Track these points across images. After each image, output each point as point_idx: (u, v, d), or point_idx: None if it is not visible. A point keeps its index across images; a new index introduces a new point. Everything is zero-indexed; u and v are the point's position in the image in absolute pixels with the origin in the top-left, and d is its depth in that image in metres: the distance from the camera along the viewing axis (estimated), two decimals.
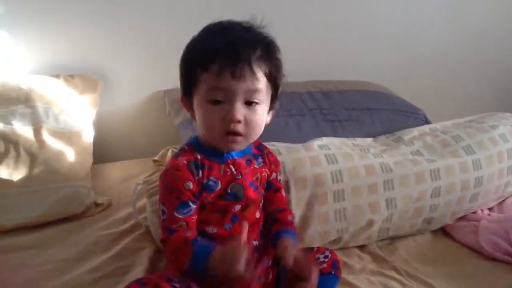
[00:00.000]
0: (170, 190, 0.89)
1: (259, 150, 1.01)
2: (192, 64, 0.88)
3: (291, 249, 0.90)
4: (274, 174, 1.03)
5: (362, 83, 1.82)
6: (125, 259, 1.11)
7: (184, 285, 0.86)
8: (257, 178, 0.97)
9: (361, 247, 1.22)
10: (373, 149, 1.29)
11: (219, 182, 0.91)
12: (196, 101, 0.90)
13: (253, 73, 0.85)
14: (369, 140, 1.37)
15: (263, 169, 0.99)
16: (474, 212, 1.34)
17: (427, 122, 1.62)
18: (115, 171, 1.59)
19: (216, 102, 0.86)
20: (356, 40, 1.97)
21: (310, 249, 1.01)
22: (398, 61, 2.07)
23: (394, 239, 1.26)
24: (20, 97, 1.44)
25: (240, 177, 0.93)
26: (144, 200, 1.26)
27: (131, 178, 1.50)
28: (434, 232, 1.30)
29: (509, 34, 2.22)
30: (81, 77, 1.60)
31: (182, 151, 0.93)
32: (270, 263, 0.97)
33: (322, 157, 1.17)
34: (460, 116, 1.56)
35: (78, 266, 1.09)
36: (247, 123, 0.88)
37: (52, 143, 1.39)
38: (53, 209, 1.28)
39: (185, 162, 0.89)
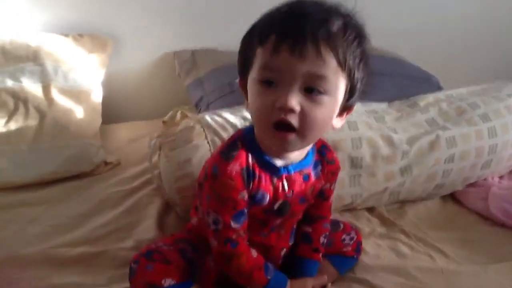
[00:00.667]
0: (224, 200, 0.77)
1: (321, 155, 0.87)
2: (248, 37, 0.75)
3: None
4: (328, 185, 0.90)
5: (374, 49, 1.78)
6: (135, 214, 1.12)
7: (198, 255, 0.86)
8: (310, 192, 0.86)
9: (370, 210, 1.22)
10: (388, 116, 1.27)
11: (268, 196, 0.80)
12: (249, 83, 0.75)
13: (318, 52, 0.67)
14: (384, 105, 1.35)
15: (319, 181, 0.87)
16: (485, 179, 1.33)
17: (440, 88, 1.59)
18: (124, 132, 1.58)
19: (268, 84, 0.71)
20: (368, 4, 1.92)
21: (336, 225, 0.98)
22: (410, 27, 2.02)
23: (403, 203, 1.25)
24: (29, 55, 1.43)
25: (291, 195, 0.82)
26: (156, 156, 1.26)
27: (139, 139, 1.50)
28: (444, 197, 1.29)
29: None
30: (91, 36, 1.58)
31: (233, 149, 0.78)
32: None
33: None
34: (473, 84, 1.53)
35: (88, 221, 1.10)
36: (304, 115, 0.70)
37: (61, 101, 1.39)
38: (63, 166, 1.28)
39: (239, 170, 0.76)
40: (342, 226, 1.00)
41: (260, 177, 0.78)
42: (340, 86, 0.72)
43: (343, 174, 1.14)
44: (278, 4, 0.73)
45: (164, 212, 1.13)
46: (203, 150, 1.07)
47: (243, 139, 0.80)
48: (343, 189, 1.14)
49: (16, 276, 0.92)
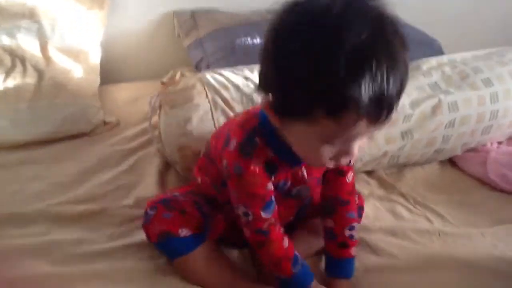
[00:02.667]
0: (251, 195, 0.78)
1: None
2: (305, 95, 0.62)
3: None
4: None
5: None
6: (135, 173, 1.13)
7: (210, 207, 0.86)
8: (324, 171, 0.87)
9: (369, 173, 1.23)
10: None
11: (288, 182, 0.83)
12: (297, 129, 0.67)
13: (390, 118, 0.64)
14: None
15: None
16: (484, 145, 1.33)
17: (442, 53, 1.57)
18: (122, 92, 1.57)
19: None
20: None
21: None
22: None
23: (402, 167, 1.26)
24: (25, 12, 1.39)
25: (309, 180, 0.85)
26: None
27: (138, 99, 1.48)
28: (442, 162, 1.30)
29: None
30: None
31: (252, 145, 0.76)
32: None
33: None
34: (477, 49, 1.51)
35: (88, 179, 1.11)
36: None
37: (59, 60, 1.36)
38: (62, 125, 1.28)
39: (262, 166, 0.76)
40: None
41: (279, 168, 0.79)
42: None
43: None
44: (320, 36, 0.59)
45: (164, 170, 1.13)
46: (203, 109, 1.07)
47: (261, 134, 0.77)
48: None
49: (17, 233, 0.93)
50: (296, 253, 0.82)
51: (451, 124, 1.21)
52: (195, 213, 0.84)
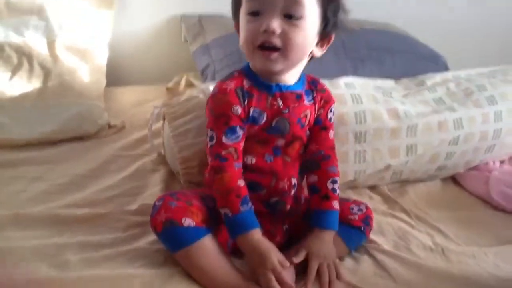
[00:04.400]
0: (217, 115, 0.86)
1: (312, 85, 0.96)
2: None
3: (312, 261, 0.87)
4: (322, 110, 0.96)
5: (384, 24, 1.76)
6: (140, 179, 1.13)
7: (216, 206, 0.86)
8: (305, 115, 0.92)
9: (372, 188, 1.23)
10: (396, 93, 1.26)
11: (265, 114, 0.88)
12: (240, 19, 0.86)
13: None
14: (391, 82, 1.34)
15: (313, 106, 0.94)
16: (486, 163, 1.34)
17: (447, 69, 1.59)
18: (128, 95, 1.57)
19: (254, 14, 0.83)
20: None
21: (346, 199, 1.00)
22: (419, 8, 1.99)
23: (404, 183, 1.26)
24: (33, 8, 1.40)
25: (287, 111, 0.89)
26: (158, 125, 1.25)
27: (144, 103, 1.49)
28: (444, 179, 1.30)
29: None
30: None
31: (231, 76, 0.89)
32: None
33: (348, 96, 1.15)
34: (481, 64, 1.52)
35: (93, 183, 1.10)
36: (285, 37, 0.82)
37: (66, 58, 1.37)
38: (67, 125, 1.28)
39: (233, 87, 0.86)
40: (352, 199, 1.01)
41: (254, 96, 0.87)
42: (315, 12, 0.85)
43: (347, 149, 1.14)
44: None
45: (169, 178, 1.13)
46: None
47: (240, 69, 0.91)
48: (347, 164, 1.15)
49: (19, 234, 0.92)
50: (249, 198, 0.84)
51: (455, 141, 1.22)
52: (201, 206, 0.85)
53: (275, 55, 0.83)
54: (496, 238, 1.05)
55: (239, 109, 0.85)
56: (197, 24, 1.64)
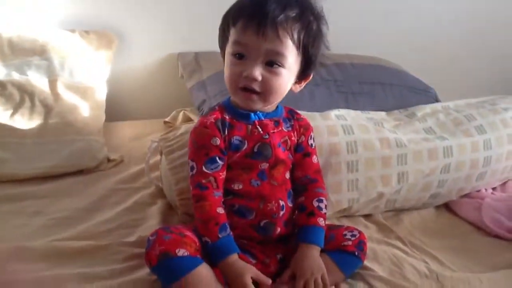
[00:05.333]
0: (198, 147, 0.92)
1: (290, 114, 1.02)
2: (225, 18, 0.92)
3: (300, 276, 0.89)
4: (303, 137, 1.02)
5: (375, 59, 1.81)
6: (138, 212, 1.14)
7: None
8: (285, 141, 0.98)
9: (367, 216, 1.25)
10: (387, 123, 1.30)
11: (245, 141, 0.94)
12: (225, 55, 0.92)
13: (277, 34, 0.85)
14: (383, 114, 1.38)
15: (292, 133, 1.00)
16: (478, 191, 1.36)
17: (437, 100, 1.63)
18: (126, 130, 1.60)
19: (239, 57, 0.88)
20: (367, 21, 1.96)
21: (339, 226, 1.03)
22: (409, 42, 2.06)
23: (399, 211, 1.28)
24: (36, 49, 1.44)
25: (267, 136, 0.95)
26: (156, 158, 1.28)
27: (142, 137, 1.52)
28: (438, 207, 1.33)
29: None
30: (97, 33, 1.60)
31: (212, 111, 0.96)
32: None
33: (339, 127, 1.18)
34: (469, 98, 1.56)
35: (92, 216, 1.12)
36: (264, 83, 0.88)
37: (67, 96, 1.40)
38: (67, 160, 1.30)
39: (213, 120, 0.93)
40: (345, 226, 1.03)
41: (234, 126, 0.93)
42: (296, 60, 0.90)
43: (340, 178, 1.17)
44: None
45: (167, 210, 1.15)
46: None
47: (221, 103, 0.98)
48: (340, 193, 1.17)
49: (20, 267, 0.93)
50: (227, 224, 0.88)
51: (446, 169, 1.25)
52: (194, 238, 0.87)
53: (255, 96, 0.90)
54: (490, 264, 1.06)
55: (218, 140, 0.91)
56: (193, 61, 1.69)
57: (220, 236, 0.87)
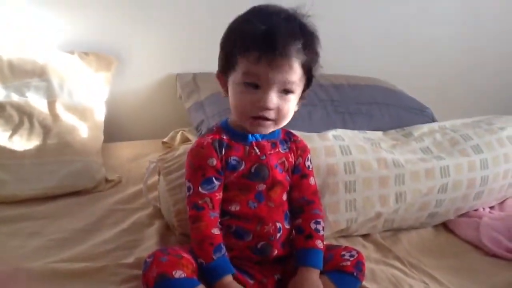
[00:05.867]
0: (195, 168, 0.93)
1: (287, 136, 1.03)
2: (232, 47, 0.90)
3: None
4: (300, 159, 1.02)
5: (372, 79, 1.84)
6: (136, 233, 1.14)
7: None
8: (282, 162, 0.99)
9: (365, 236, 1.25)
10: (384, 143, 1.31)
11: (243, 162, 0.94)
12: (231, 81, 0.92)
13: (289, 65, 0.87)
14: (380, 133, 1.39)
15: (289, 155, 1.00)
16: (476, 210, 1.37)
17: (434, 120, 1.64)
18: (125, 150, 1.61)
19: (251, 85, 0.88)
20: (364, 40, 1.99)
21: (337, 246, 1.03)
22: (406, 62, 2.09)
23: (397, 230, 1.28)
24: (36, 70, 1.45)
25: (264, 157, 0.96)
26: (154, 179, 1.28)
27: (140, 158, 1.53)
28: (436, 226, 1.33)
29: None
30: (96, 55, 1.61)
31: (209, 132, 0.97)
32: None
33: (336, 148, 1.19)
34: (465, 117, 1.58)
35: (90, 237, 1.11)
36: (279, 111, 0.90)
37: (66, 117, 1.41)
38: (65, 181, 1.30)
39: (210, 141, 0.93)
40: (343, 246, 1.03)
41: (232, 146, 0.94)
42: (302, 83, 0.93)
43: (338, 199, 1.17)
44: (252, 11, 0.92)
45: (165, 231, 1.14)
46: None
47: (218, 125, 0.99)
48: (338, 213, 1.17)
49: None
50: (222, 245, 0.88)
51: (444, 188, 1.25)
52: (190, 259, 0.87)
53: (269, 123, 0.92)
54: (489, 284, 1.07)
55: (214, 161, 0.92)
56: (192, 82, 1.71)
57: (214, 257, 0.87)
